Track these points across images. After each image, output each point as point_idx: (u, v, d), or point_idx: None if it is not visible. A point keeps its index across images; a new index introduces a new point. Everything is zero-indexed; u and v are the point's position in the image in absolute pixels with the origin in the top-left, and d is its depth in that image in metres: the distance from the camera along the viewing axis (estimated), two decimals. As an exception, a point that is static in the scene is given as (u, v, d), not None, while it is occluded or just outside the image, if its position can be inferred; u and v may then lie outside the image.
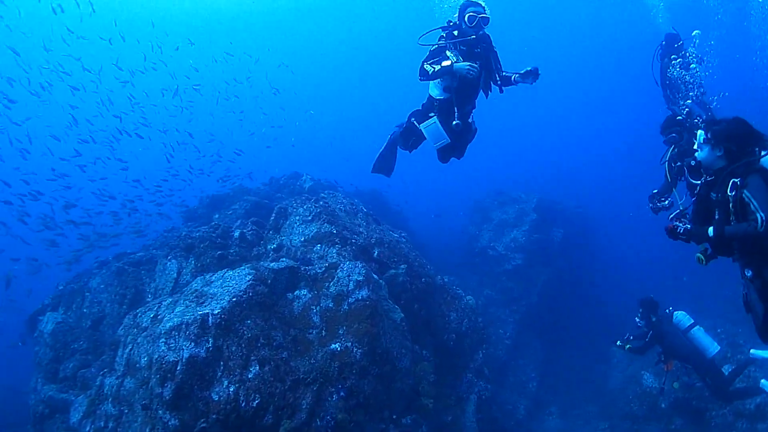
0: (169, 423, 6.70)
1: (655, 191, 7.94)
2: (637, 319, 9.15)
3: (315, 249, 9.46)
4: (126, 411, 7.71)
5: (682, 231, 4.62)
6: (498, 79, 6.61)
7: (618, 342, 9.33)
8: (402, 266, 9.98)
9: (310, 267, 8.66)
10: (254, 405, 6.74)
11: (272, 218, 11.08)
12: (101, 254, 14.11)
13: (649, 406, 12.24)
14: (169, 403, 6.72)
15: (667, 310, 9.05)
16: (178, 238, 10.92)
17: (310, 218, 10.09)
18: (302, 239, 9.80)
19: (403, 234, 12.10)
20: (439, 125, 6.53)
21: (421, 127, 6.66)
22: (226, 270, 8.50)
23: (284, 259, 8.84)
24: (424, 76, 6.30)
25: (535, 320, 16.21)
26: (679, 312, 8.99)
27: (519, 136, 48.13)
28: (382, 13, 49.25)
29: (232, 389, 6.73)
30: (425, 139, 6.81)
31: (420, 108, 6.98)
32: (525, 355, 15.35)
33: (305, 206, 10.44)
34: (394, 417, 8.32)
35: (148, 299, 10.50)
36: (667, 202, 7.71)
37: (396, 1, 46.77)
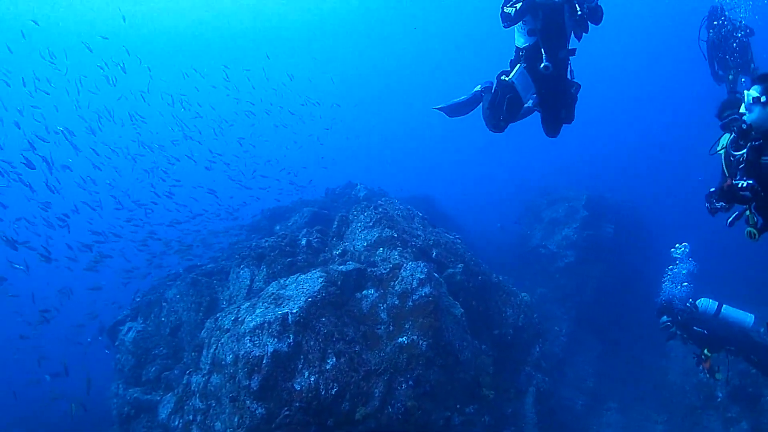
0: (257, 412, 7.60)
1: (713, 189, 7.16)
2: (669, 324, 9.01)
3: (378, 252, 10.32)
4: (213, 404, 8.67)
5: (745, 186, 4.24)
6: (585, 11, 5.95)
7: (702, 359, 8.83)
8: (459, 265, 10.74)
9: (375, 268, 9.53)
10: (333, 393, 7.59)
11: (335, 226, 12.04)
12: (173, 266, 15.37)
13: (706, 397, 12.43)
14: (256, 393, 7.63)
15: (688, 303, 8.95)
16: (249, 248, 11.94)
17: (371, 224, 10.96)
18: (365, 244, 10.67)
19: (457, 236, 12.83)
20: (526, 71, 6.16)
21: (509, 78, 6.21)
22: (298, 274, 9.44)
23: (351, 262, 9.74)
24: (507, 20, 5.96)
25: (590, 316, 16.54)
26: (701, 299, 8.91)
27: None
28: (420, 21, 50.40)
29: (312, 379, 7.61)
30: (514, 95, 6.25)
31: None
32: (581, 351, 15.75)
33: (366, 213, 11.33)
34: (458, 406, 9.01)
35: (223, 305, 11.53)
36: (722, 204, 6.92)
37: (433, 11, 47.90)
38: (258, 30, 51.94)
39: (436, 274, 9.50)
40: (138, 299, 14.14)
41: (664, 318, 9.03)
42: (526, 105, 6.69)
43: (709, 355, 8.72)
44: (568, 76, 6.33)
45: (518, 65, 6.17)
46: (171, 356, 12.06)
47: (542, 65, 5.92)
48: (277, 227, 15.65)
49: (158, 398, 11.00)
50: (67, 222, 17.34)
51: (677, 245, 10.00)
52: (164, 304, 12.90)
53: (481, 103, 7.02)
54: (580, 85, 6.35)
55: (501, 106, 6.37)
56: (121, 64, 24.53)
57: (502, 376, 10.74)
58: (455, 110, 7.33)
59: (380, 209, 11.40)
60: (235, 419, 7.83)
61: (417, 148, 61.31)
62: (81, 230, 18.11)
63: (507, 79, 6.22)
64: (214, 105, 30.13)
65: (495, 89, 6.53)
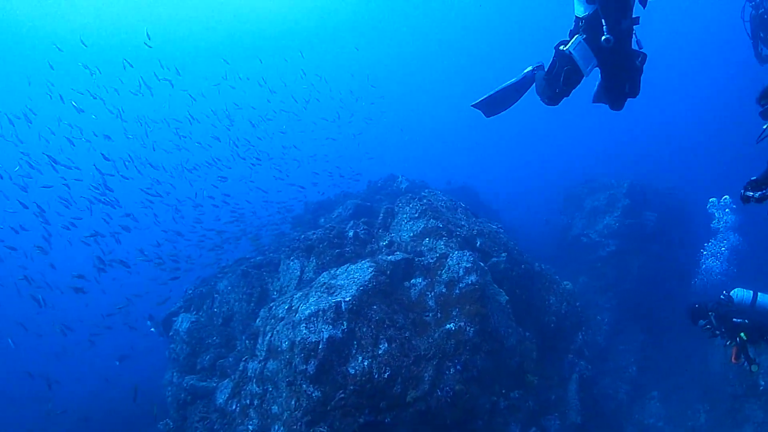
0: (313, 395, 8.11)
1: (754, 178, 6.23)
2: (708, 326, 8.56)
3: (424, 242, 10.76)
4: (270, 389, 9.21)
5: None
6: None
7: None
8: (503, 254, 11.11)
9: (422, 258, 9.98)
10: (385, 377, 8.06)
11: (381, 217, 12.52)
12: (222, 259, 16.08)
13: (748, 385, 12.50)
14: (313, 377, 8.14)
15: (721, 296, 8.60)
16: (298, 240, 12.51)
17: (416, 215, 11.40)
18: (411, 234, 11.13)
19: (500, 225, 13.18)
20: (585, 43, 5.67)
21: (566, 48, 5.73)
22: (347, 265, 9.93)
23: (398, 252, 10.21)
24: None
25: (632, 305, 16.65)
26: (736, 290, 8.54)
27: (600, 117, 47.78)
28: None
29: (366, 363, 8.09)
30: (572, 67, 5.81)
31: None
32: (624, 340, 15.89)
33: (411, 205, 11.78)
34: (503, 391, 9.40)
35: (274, 296, 12.11)
36: (759, 194, 6.04)
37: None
38: (299, 28, 53.14)
39: (481, 263, 9.88)
40: (190, 291, 14.83)
41: (701, 322, 8.65)
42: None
43: (745, 338, 8.27)
44: (633, 46, 5.81)
45: (577, 36, 5.72)
46: (224, 345, 12.68)
47: (603, 38, 5.41)
48: (322, 220, 16.21)
49: (213, 385, 11.63)
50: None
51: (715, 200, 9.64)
52: (216, 295, 13.55)
53: (534, 82, 6.69)
54: (646, 56, 5.82)
55: (558, 78, 6.00)
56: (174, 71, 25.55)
57: (545, 363, 11.09)
58: (497, 103, 7.02)
59: (425, 201, 11.82)
60: (292, 402, 8.36)
61: (455, 139, 61.65)
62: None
63: (565, 49, 5.77)
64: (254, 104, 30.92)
65: (553, 59, 6.11)
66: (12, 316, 19.88)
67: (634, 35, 5.71)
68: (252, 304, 12.54)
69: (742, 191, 6.32)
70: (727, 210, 9.11)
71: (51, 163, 17.69)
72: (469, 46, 63.57)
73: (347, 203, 15.85)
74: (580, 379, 11.78)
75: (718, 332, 8.46)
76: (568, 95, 6.26)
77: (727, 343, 8.39)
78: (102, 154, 20.37)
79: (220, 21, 50.56)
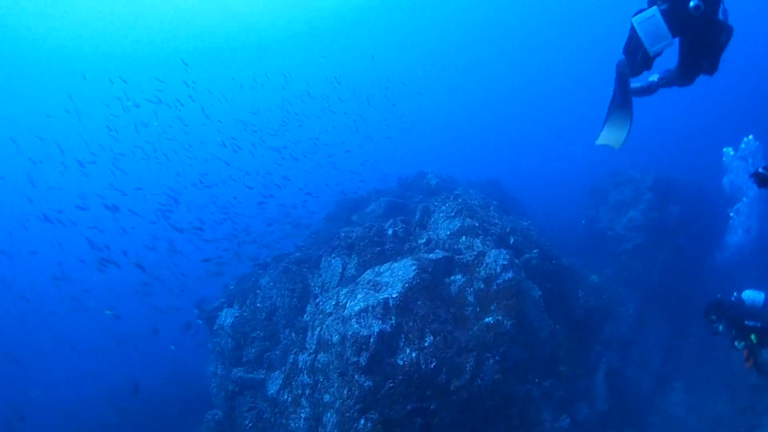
0: (365, 384, 9.00)
1: None
2: (713, 319, 8.76)
3: (461, 240, 11.63)
4: (321, 379, 10.12)
5: None
6: None
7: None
8: (534, 251, 11.94)
9: (461, 256, 10.83)
10: (431, 367, 8.93)
11: (417, 216, 13.38)
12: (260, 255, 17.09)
13: None
14: (364, 368, 9.03)
15: (732, 298, 8.79)
16: (339, 238, 13.45)
17: (452, 214, 12.26)
18: (448, 232, 11.99)
19: (530, 223, 13.99)
20: (659, 14, 5.01)
21: (633, 20, 5.14)
22: (390, 262, 10.81)
23: (438, 250, 11.08)
24: None
25: (657, 298, 17.21)
26: (747, 291, 8.77)
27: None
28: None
29: (413, 355, 8.97)
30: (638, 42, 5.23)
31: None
32: (648, 332, 16.48)
33: (447, 204, 12.65)
34: (536, 380, 10.24)
35: (316, 291, 13.03)
36: None
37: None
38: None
39: (516, 260, 10.73)
40: (232, 287, 15.81)
41: (712, 317, 8.80)
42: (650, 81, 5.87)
43: (756, 341, 8.34)
44: (719, 17, 5.14)
45: (654, 6, 5.10)
46: (268, 338, 13.62)
47: (692, 4, 4.88)
48: (354, 217, 17.09)
49: (261, 377, 12.59)
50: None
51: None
52: (258, 291, 14.49)
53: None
54: (732, 30, 5.19)
55: (635, 55, 5.41)
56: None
57: (574, 354, 11.90)
58: (620, 122, 6.18)
59: (460, 200, 12.68)
60: (345, 391, 9.26)
61: (479, 131, 62.42)
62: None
63: (633, 19, 5.19)
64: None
65: (629, 33, 5.44)
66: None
67: (722, 3, 5.13)
68: (294, 300, 13.46)
69: (760, 169, 5.88)
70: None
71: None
72: (491, 43, 64.28)
73: (380, 200, 16.72)
74: (607, 369, 12.60)
75: (721, 329, 8.64)
76: (648, 68, 5.63)
77: (737, 343, 8.51)
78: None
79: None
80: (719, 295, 8.97)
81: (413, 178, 19.62)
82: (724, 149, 12.06)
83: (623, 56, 5.65)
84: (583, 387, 11.96)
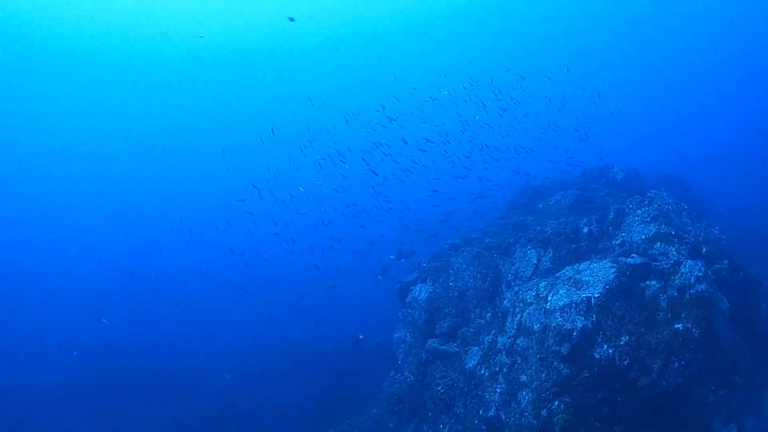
0: (563, 371, 10.59)
1: None
2: None
3: (656, 246, 12.76)
4: (519, 360, 11.84)
5: None
6: None
7: None
8: (725, 261, 12.78)
9: (657, 263, 12.00)
10: (625, 364, 10.34)
11: (611, 217, 14.58)
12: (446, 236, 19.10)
13: None
14: (564, 357, 10.62)
15: None
16: (534, 231, 15.01)
17: (648, 219, 13.35)
18: (642, 237, 13.14)
19: (720, 230, 14.60)
20: None
21: None
22: (589, 262, 12.24)
23: (634, 255, 12.33)
24: None
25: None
26: None
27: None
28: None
29: (610, 351, 10.42)
30: None
31: None
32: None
33: (642, 209, 13.73)
34: (713, 387, 11.20)
35: (509, 278, 14.70)
36: None
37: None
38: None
39: (710, 272, 11.73)
40: (425, 264, 17.93)
41: None
42: None
43: None
44: None
45: None
46: (459, 315, 15.52)
47: None
48: (540, 205, 18.54)
49: (454, 350, 14.50)
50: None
51: None
52: (451, 271, 16.45)
53: None
54: None
55: None
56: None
57: (750, 366, 12.65)
58: None
59: (655, 205, 13.70)
60: (543, 374, 10.91)
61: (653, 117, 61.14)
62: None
63: None
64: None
65: None
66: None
67: None
68: (487, 283, 15.24)
69: None
70: None
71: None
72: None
73: (567, 192, 18.00)
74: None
75: None
76: None
77: None
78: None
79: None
80: None
81: (599, 170, 20.49)
82: None
83: None
84: (754, 399, 12.70)
